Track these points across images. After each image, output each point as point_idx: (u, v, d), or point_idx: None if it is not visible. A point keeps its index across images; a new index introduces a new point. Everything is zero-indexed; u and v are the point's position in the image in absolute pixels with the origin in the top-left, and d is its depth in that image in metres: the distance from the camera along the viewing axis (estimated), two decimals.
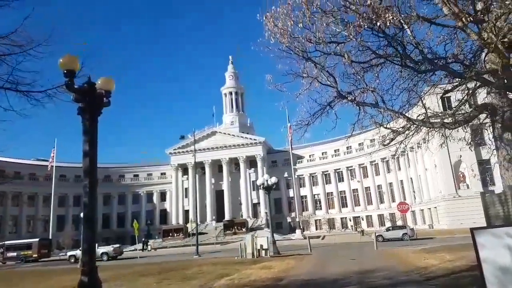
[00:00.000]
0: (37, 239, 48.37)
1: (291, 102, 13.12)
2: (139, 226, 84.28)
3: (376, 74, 12.03)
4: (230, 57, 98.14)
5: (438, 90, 14.04)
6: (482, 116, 12.51)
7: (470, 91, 10.42)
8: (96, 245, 38.41)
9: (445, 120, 12.29)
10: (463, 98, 10.90)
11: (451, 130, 12.76)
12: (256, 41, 11.03)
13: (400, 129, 13.65)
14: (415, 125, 13.07)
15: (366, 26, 7.64)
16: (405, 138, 14.29)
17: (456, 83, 11.04)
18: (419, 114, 12.72)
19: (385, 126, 13.43)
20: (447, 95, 16.85)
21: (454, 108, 11.48)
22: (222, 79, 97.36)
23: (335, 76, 12.23)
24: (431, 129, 12.43)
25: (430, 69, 9.11)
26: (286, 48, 10.77)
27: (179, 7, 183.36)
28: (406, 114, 12.79)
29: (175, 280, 12.96)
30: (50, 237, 64.23)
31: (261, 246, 22.85)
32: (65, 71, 5.73)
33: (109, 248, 40.08)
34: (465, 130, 12.36)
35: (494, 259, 6.02)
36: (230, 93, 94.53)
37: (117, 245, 41.52)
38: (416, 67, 9.05)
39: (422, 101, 12.39)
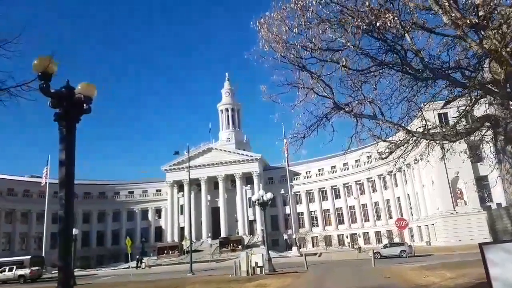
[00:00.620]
0: (28, 257, 47.12)
1: (287, 113, 12.75)
2: (133, 244, 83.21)
3: (374, 85, 11.75)
4: (226, 74, 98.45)
5: (437, 106, 13.71)
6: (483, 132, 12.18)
7: (473, 101, 10.09)
8: (14, 267, 38.78)
9: (446, 132, 11.96)
10: (465, 109, 10.56)
11: (452, 143, 12.39)
12: (250, 50, 10.69)
13: (399, 142, 13.29)
14: (414, 138, 12.73)
15: (364, 26, 7.34)
16: (404, 151, 13.93)
17: (458, 94, 10.72)
18: (419, 127, 12.38)
19: (383, 139, 13.10)
20: (445, 110, 16.42)
21: (455, 119, 11.13)
22: (219, 95, 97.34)
23: (331, 87, 11.93)
24: (431, 141, 12.04)
25: (431, 77, 8.79)
26: (281, 57, 10.44)
27: (177, 20, 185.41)
28: (406, 127, 12.47)
29: None
30: (43, 255, 62.75)
31: (256, 263, 22.11)
32: (39, 74, 5.32)
33: (26, 271, 41.52)
34: (466, 142, 11.96)
35: (505, 275, 5.57)
36: (226, 109, 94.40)
37: (36, 268, 42.66)
38: (417, 74, 8.73)
39: (422, 113, 12.05)
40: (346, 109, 12.47)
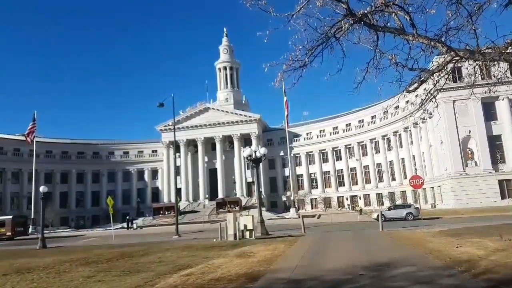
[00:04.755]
0: (10, 217, 44.92)
1: (282, 30, 9.36)
2: (130, 204, 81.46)
3: None
4: (225, 28, 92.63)
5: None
6: None
7: None
8: None
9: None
10: None
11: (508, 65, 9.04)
12: None
13: (434, 68, 9.93)
14: (456, 60, 9.36)
15: None
16: (437, 82, 10.65)
17: None
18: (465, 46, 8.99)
19: (409, 67, 9.91)
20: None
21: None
22: (217, 53, 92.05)
23: None
24: (482, 62, 8.64)
25: None
26: None
27: None
28: (446, 44, 9.13)
29: (115, 273, 9.52)
30: (33, 215, 61.17)
31: (245, 226, 19.38)
32: None
33: None
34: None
35: None
36: (225, 68, 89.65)
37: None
38: None
39: (471, 20, 8.59)
40: (364, 19, 9.21)
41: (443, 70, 9.93)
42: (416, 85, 10.03)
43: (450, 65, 9.82)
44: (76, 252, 17.26)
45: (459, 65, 10.25)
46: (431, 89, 10.91)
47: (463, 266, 7.54)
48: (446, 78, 10.59)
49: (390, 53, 9.85)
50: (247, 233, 19.08)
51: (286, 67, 9.92)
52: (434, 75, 10.14)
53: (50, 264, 12.16)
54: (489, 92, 10.64)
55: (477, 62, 9.10)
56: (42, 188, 25.19)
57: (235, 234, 18.66)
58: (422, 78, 9.87)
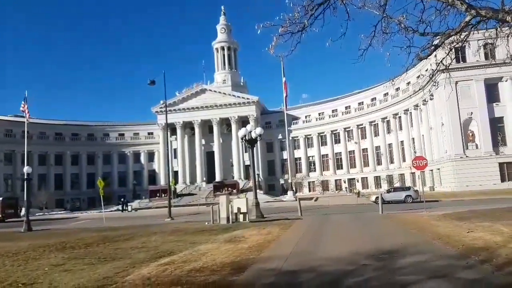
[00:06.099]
0: (0, 198, 43.90)
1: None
2: (126, 187, 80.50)
3: None
4: (222, 7, 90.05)
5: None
6: None
7: None
8: None
9: None
10: None
11: None
12: None
13: (450, 30, 8.75)
14: (479, 20, 8.21)
15: None
16: (450, 50, 9.53)
17: None
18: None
19: (421, 32, 8.82)
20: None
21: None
22: (215, 33, 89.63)
23: None
24: (506, 24, 7.50)
25: None
26: None
27: None
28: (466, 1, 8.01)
29: (88, 261, 8.58)
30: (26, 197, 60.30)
31: (239, 209, 18.49)
32: None
33: None
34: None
35: None
36: (222, 48, 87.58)
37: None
38: None
39: None
40: None
41: (460, 34, 8.71)
42: (430, 50, 8.87)
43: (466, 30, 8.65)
44: (58, 235, 16.34)
45: (466, 41, 9.09)
46: (443, 58, 9.77)
47: (481, 255, 6.59)
48: (462, 44, 9.41)
49: (399, 16, 8.75)
50: (241, 216, 18.22)
51: (282, 30, 8.76)
52: (447, 41, 9.01)
53: (23, 249, 11.21)
54: (511, 61, 9.55)
55: (502, 22, 7.88)
56: (26, 169, 24.17)
57: (227, 217, 17.78)
58: (436, 43, 8.70)
